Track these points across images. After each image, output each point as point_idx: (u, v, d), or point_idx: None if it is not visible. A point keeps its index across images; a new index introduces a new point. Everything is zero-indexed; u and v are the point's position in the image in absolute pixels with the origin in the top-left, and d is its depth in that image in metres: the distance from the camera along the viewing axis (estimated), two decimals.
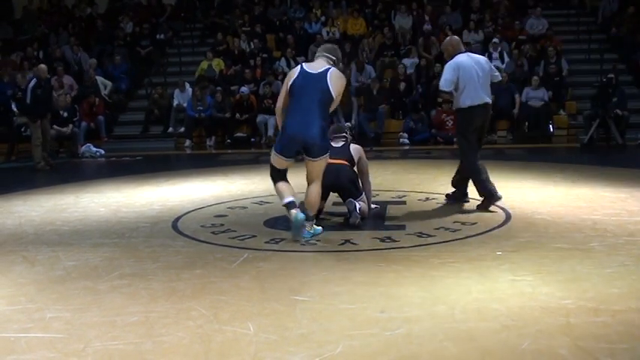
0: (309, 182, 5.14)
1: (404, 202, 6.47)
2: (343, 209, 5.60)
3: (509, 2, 16.21)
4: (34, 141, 10.45)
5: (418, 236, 5.02)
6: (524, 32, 14.98)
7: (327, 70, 5.06)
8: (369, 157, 6.12)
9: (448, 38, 6.58)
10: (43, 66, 11.01)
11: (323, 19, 16.35)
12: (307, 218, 4.99)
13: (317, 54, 5.31)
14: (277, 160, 5.09)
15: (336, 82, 5.03)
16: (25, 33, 17.19)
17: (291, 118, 5.02)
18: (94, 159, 12.09)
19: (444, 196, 6.44)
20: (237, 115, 13.49)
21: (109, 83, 14.75)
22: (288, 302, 3.57)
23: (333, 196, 5.83)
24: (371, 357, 2.84)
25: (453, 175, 6.40)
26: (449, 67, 6.07)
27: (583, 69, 14.56)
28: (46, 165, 10.49)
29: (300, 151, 5.07)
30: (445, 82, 6.00)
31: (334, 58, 5.20)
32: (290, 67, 14.76)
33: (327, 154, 5.11)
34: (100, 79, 14.68)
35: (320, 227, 5.22)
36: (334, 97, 5.05)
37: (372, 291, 3.70)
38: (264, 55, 15.17)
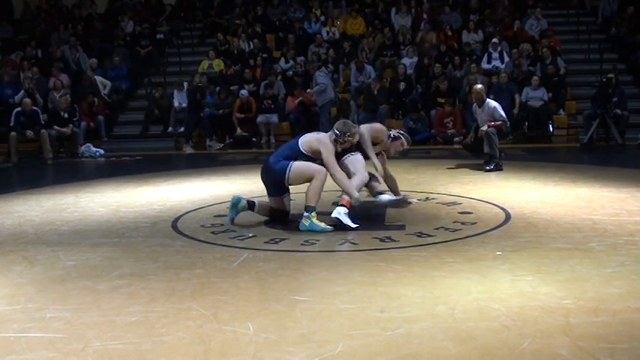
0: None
1: None
2: None
3: (509, 2, 16.21)
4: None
5: (418, 236, 5.02)
6: (524, 32, 14.97)
7: None
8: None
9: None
10: (27, 100, 12.04)
11: (323, 18, 16.35)
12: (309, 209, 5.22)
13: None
14: None
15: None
16: (25, 32, 17.18)
17: None
18: (94, 159, 12.07)
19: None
20: (235, 116, 13.47)
21: (108, 83, 14.73)
22: (288, 302, 3.57)
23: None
24: (371, 357, 2.84)
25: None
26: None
27: (583, 69, 14.55)
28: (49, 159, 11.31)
29: None
30: None
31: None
32: (290, 67, 14.80)
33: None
34: (99, 78, 14.66)
35: (329, 227, 5.21)
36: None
37: (371, 291, 3.70)
38: (264, 55, 15.16)
